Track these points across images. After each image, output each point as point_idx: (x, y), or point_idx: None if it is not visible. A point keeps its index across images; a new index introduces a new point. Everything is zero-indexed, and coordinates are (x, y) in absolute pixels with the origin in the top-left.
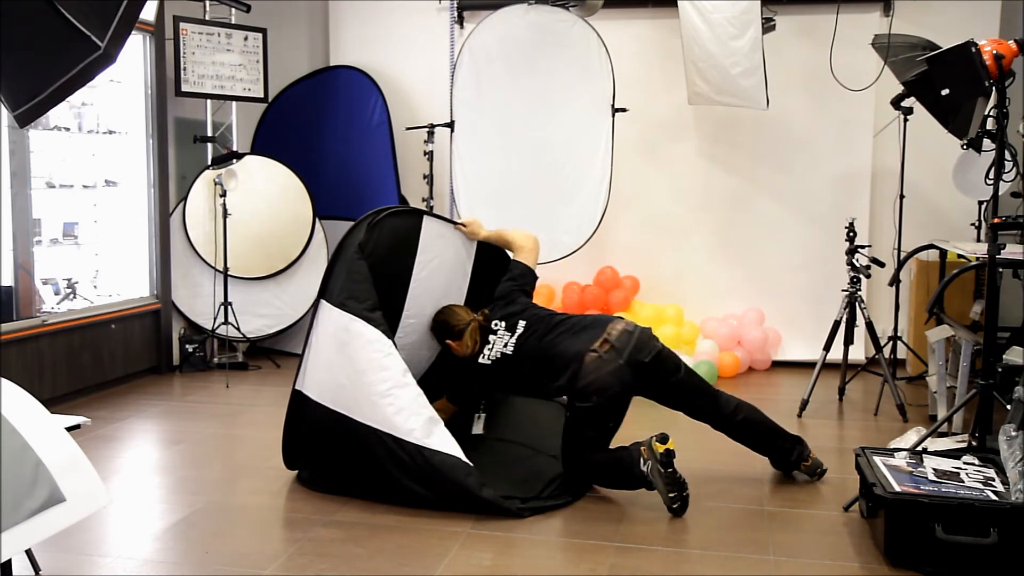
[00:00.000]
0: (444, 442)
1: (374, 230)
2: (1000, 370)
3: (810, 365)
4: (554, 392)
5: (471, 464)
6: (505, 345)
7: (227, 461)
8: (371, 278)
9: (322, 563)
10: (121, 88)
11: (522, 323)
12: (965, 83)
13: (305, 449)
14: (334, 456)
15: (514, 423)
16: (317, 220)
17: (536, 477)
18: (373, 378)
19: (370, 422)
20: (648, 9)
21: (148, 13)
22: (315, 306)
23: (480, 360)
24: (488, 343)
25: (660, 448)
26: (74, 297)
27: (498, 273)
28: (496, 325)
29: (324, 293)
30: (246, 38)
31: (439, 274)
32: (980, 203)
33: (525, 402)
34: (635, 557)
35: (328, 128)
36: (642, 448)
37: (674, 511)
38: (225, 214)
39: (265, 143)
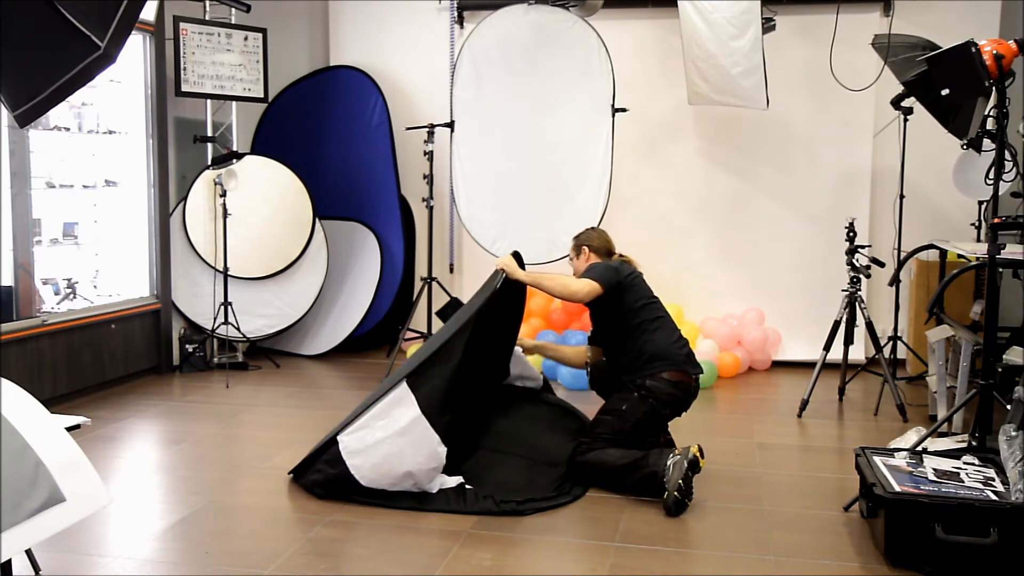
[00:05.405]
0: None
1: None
2: (1000, 370)
3: (810, 365)
4: (644, 372)
5: (465, 490)
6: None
7: (227, 461)
8: (462, 388)
9: (322, 563)
10: (121, 88)
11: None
12: (965, 83)
13: (322, 483)
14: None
15: (512, 434)
16: (317, 220)
17: (534, 484)
18: (426, 467)
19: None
20: (648, 9)
21: (148, 13)
22: (397, 382)
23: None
24: None
25: (695, 451)
26: (74, 297)
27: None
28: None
29: (414, 377)
30: (246, 38)
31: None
32: (980, 203)
33: (523, 413)
34: (636, 557)
35: (328, 128)
36: (678, 448)
37: (670, 506)
38: (225, 214)
39: (265, 143)
